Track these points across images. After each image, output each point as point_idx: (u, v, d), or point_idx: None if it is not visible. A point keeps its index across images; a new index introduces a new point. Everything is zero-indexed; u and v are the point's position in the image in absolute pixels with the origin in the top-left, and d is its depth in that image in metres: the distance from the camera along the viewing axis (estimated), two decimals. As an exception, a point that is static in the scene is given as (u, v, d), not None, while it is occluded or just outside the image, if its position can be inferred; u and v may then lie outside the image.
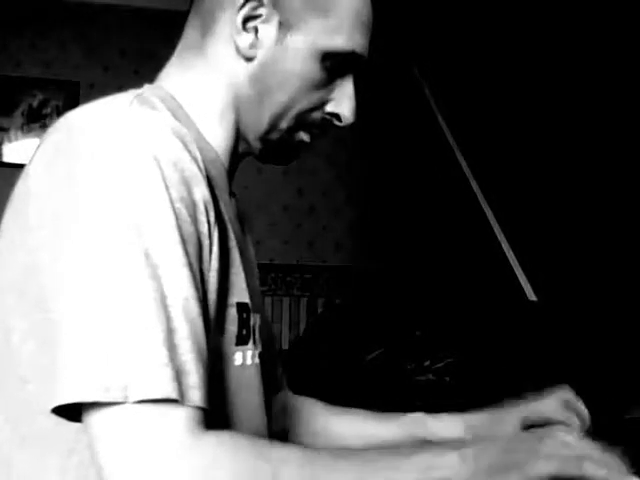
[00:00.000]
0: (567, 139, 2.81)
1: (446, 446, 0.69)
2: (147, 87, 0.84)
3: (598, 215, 2.60)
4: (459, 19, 3.56)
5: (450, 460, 0.66)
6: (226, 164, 0.89)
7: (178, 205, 0.69)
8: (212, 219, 0.75)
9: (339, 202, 4.45)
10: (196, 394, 0.64)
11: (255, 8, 0.83)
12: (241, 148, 0.91)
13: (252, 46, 0.84)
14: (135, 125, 0.72)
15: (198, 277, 0.70)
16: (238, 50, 0.85)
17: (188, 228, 0.70)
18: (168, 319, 0.64)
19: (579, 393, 1.03)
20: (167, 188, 0.69)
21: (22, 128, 4.10)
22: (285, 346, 4.19)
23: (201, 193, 0.73)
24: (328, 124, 0.92)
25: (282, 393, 1.11)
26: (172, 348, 0.63)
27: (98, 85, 4.19)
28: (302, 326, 4.29)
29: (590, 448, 0.65)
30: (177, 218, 0.68)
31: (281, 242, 4.35)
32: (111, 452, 0.62)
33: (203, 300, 0.70)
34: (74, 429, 0.69)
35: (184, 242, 0.68)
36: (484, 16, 3.38)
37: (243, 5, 0.83)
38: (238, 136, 0.89)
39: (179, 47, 0.91)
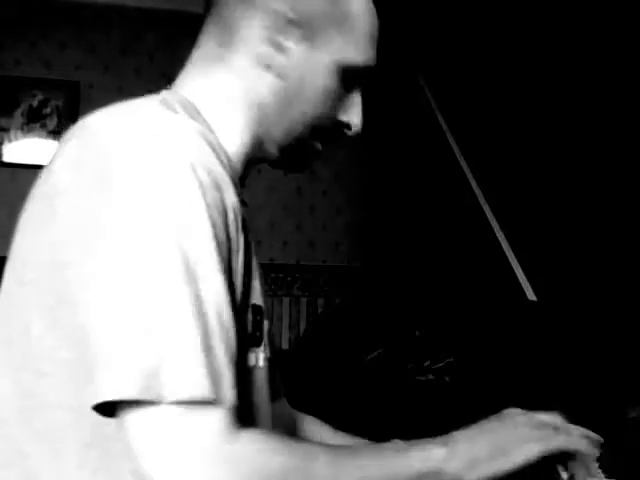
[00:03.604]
0: (567, 142, 2.81)
1: (436, 441, 0.76)
2: (166, 93, 0.86)
3: (598, 215, 2.60)
4: (463, 28, 3.57)
5: (440, 453, 0.74)
6: (240, 171, 0.90)
7: (213, 211, 0.71)
8: (240, 224, 0.77)
9: (339, 202, 4.45)
10: (230, 395, 0.67)
11: (283, 25, 0.86)
12: (257, 156, 0.93)
13: (279, 62, 0.87)
14: (168, 130, 0.73)
15: (228, 282, 0.72)
16: (264, 65, 0.87)
17: (221, 234, 0.72)
18: (204, 323, 0.67)
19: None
20: (203, 194, 0.70)
21: (22, 128, 4.10)
22: (285, 346, 4.19)
23: (230, 199, 0.75)
24: (339, 133, 0.95)
25: (285, 404, 1.11)
26: (208, 350, 0.66)
27: (98, 85, 4.18)
28: (302, 326, 4.30)
29: (561, 422, 0.79)
30: (212, 225, 0.70)
31: (281, 242, 4.35)
32: (149, 452, 0.64)
33: (232, 303, 0.73)
34: (90, 423, 0.70)
35: (218, 247, 0.71)
36: (488, 25, 3.38)
37: (271, 22, 0.85)
38: (256, 145, 0.91)
39: (196, 54, 0.92)
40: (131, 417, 0.65)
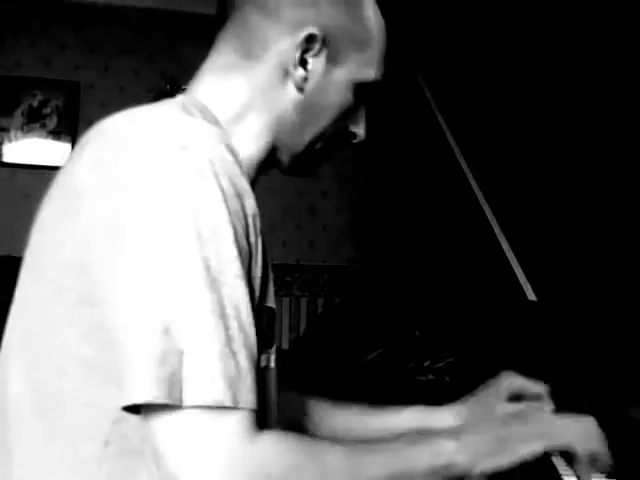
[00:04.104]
0: (567, 142, 2.81)
1: (446, 435, 0.79)
2: (182, 97, 0.87)
3: (598, 215, 2.60)
4: (463, 28, 3.57)
5: (450, 447, 0.76)
6: (252, 177, 0.92)
7: (234, 217, 0.72)
8: (259, 231, 0.78)
9: (339, 202, 4.45)
10: (249, 398, 0.69)
11: (307, 41, 0.88)
12: (268, 163, 0.95)
13: (305, 79, 0.89)
14: (188, 134, 0.75)
15: (248, 287, 0.74)
16: (285, 78, 0.89)
17: (242, 241, 0.74)
18: (225, 328, 0.68)
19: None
20: (226, 202, 0.72)
21: (22, 128, 4.10)
22: (285, 346, 4.19)
23: (250, 206, 0.77)
24: (345, 140, 0.99)
25: (287, 394, 1.12)
26: (228, 356, 0.68)
27: (98, 85, 4.19)
28: (302, 326, 4.30)
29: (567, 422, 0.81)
30: (234, 230, 0.72)
31: (281, 242, 4.35)
32: (174, 452, 0.67)
33: (252, 308, 0.74)
34: (107, 421, 0.72)
35: (240, 253, 0.72)
36: (488, 25, 3.38)
37: (296, 37, 0.88)
38: (269, 153, 0.93)
39: (214, 62, 0.93)
40: (157, 419, 0.67)
